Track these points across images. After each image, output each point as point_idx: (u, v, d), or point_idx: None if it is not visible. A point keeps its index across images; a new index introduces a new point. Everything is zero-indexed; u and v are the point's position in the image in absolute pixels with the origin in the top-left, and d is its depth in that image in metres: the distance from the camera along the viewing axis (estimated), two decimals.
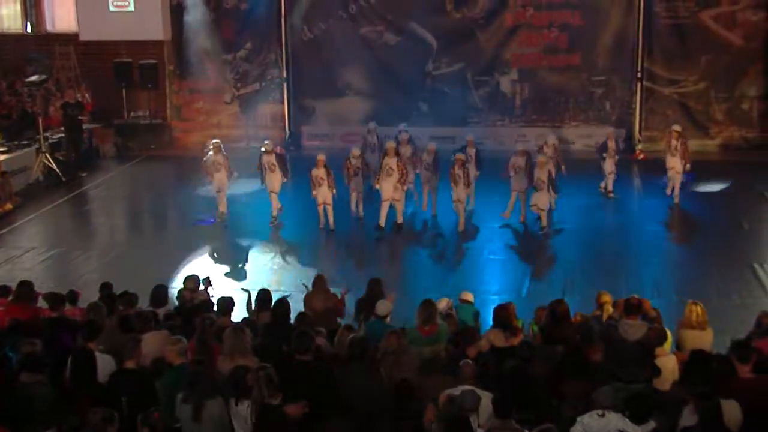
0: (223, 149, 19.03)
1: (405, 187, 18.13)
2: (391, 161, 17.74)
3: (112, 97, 26.95)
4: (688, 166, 19.69)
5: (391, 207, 18.04)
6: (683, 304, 10.56)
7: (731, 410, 7.61)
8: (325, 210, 18.12)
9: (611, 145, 20.18)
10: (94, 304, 10.85)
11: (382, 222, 17.92)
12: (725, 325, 10.63)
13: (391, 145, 18.12)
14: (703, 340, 9.77)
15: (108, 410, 7.41)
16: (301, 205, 19.03)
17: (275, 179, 18.70)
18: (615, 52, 24.75)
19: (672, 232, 18.25)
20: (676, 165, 19.51)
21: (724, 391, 7.70)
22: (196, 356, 8.79)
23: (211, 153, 18.92)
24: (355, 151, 18.79)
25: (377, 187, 18.07)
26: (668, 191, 19.81)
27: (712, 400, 7.41)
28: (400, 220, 18.26)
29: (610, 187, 20.29)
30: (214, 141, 19.43)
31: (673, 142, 19.63)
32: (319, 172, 17.96)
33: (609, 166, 20.14)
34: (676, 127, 20.13)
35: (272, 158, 18.73)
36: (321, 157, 18.21)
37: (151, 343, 9.36)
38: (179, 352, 8.67)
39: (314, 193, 18.07)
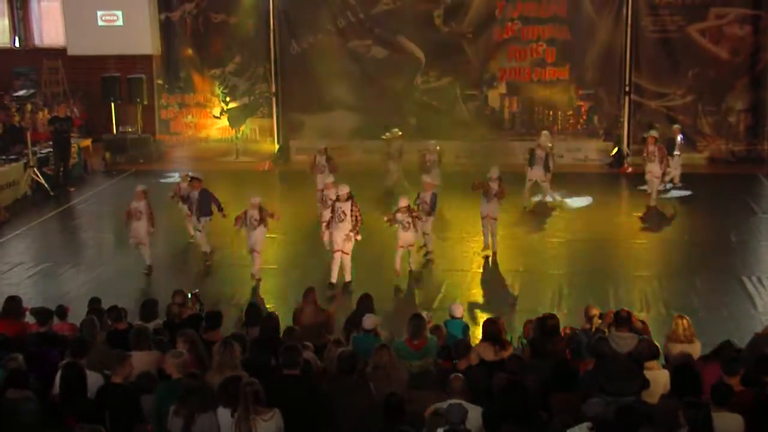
0: (147, 197, 16.90)
1: (358, 237, 15.75)
2: (344, 206, 15.63)
3: (100, 112, 26.99)
4: (666, 167, 20.35)
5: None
6: (671, 317, 10.58)
7: (731, 423, 7.62)
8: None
9: (678, 140, 21.44)
10: (89, 320, 10.79)
11: (334, 278, 15.74)
12: (714, 339, 10.61)
13: (344, 190, 15.80)
14: (691, 353, 9.77)
15: (95, 426, 7.37)
16: (291, 222, 18.96)
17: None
18: (603, 66, 24.88)
19: (659, 245, 18.27)
20: (653, 170, 20.05)
21: (724, 404, 7.74)
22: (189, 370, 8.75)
23: (134, 200, 16.86)
24: (328, 179, 17.39)
25: (324, 238, 16.64)
26: (650, 202, 20.22)
27: (702, 409, 7.41)
28: (348, 277, 15.81)
29: (677, 180, 21.56)
30: (141, 187, 17.12)
31: (651, 148, 20.12)
32: (254, 213, 16.15)
33: (676, 160, 21.32)
34: (653, 133, 20.67)
35: (195, 194, 17.12)
36: (255, 200, 16.30)
37: (139, 358, 9.33)
38: (178, 366, 8.60)
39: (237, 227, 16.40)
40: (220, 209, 17.14)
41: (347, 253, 15.73)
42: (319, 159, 20.13)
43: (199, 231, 17.24)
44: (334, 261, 15.75)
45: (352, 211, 15.60)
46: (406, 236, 16.00)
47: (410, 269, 16.33)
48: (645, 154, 20.33)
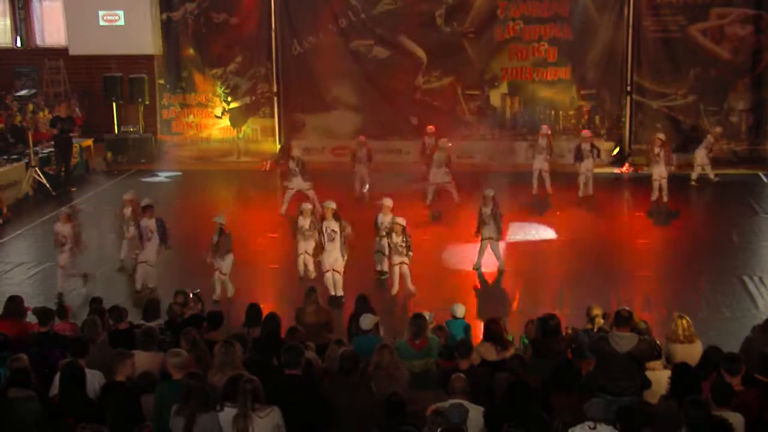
0: (75, 218, 16.59)
1: (344, 257, 15.17)
2: (332, 224, 15.11)
3: (101, 112, 26.99)
4: (672, 168, 20.78)
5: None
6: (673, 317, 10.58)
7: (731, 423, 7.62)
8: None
9: (711, 139, 22.32)
10: (90, 321, 10.79)
11: (333, 291, 15.23)
12: (715, 338, 10.62)
13: (329, 207, 15.32)
14: (692, 353, 9.76)
15: (97, 426, 7.37)
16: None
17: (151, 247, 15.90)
18: (604, 66, 24.85)
19: (661, 245, 18.25)
20: (661, 172, 20.35)
21: (724, 404, 7.73)
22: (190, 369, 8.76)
23: (59, 222, 16.12)
24: (305, 206, 16.29)
25: (318, 259, 15.73)
26: (653, 196, 20.37)
27: (702, 409, 7.40)
28: (339, 292, 15.15)
29: (711, 175, 22.33)
30: (66, 210, 16.75)
31: (656, 150, 20.47)
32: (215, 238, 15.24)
33: (701, 157, 22.27)
34: (660, 135, 20.97)
35: (152, 223, 15.85)
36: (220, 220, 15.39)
37: (143, 358, 9.33)
38: (178, 365, 8.61)
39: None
40: (166, 242, 16.00)
41: (339, 272, 15.16)
42: (291, 165, 20.21)
43: (151, 266, 15.89)
44: (327, 280, 15.17)
45: (341, 228, 15.05)
46: (401, 258, 15.21)
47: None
48: (650, 156, 20.61)
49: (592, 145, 21.28)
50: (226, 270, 15.27)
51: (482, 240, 16.44)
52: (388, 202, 16.14)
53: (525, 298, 15.18)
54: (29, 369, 8.77)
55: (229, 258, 15.23)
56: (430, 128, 22.32)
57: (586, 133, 21.99)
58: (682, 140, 24.08)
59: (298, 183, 19.85)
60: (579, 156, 21.22)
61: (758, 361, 8.69)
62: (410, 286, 15.39)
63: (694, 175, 22.30)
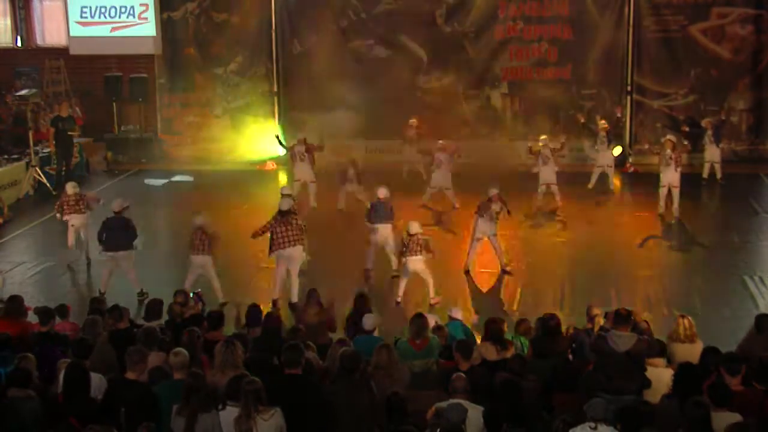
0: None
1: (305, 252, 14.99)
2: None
3: (102, 111, 26.98)
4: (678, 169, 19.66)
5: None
6: (674, 316, 10.58)
7: (730, 423, 7.62)
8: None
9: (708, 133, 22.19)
10: (91, 320, 10.79)
11: (279, 293, 14.90)
12: (716, 338, 10.62)
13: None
14: (693, 353, 9.76)
15: (105, 427, 7.36)
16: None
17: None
18: (605, 66, 24.85)
19: (662, 244, 18.25)
20: (672, 179, 19.13)
21: (722, 404, 7.74)
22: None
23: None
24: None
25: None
26: (660, 209, 19.47)
27: (702, 409, 7.41)
28: (294, 297, 14.79)
29: (719, 174, 22.25)
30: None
31: (668, 152, 19.22)
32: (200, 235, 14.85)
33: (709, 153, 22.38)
34: (671, 137, 20.10)
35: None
36: (199, 221, 15.01)
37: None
38: (178, 365, 8.61)
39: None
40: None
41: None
42: (298, 148, 20.32)
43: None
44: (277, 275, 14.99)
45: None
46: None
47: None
48: (661, 159, 19.43)
49: (608, 133, 21.43)
50: (212, 273, 14.97)
51: (476, 240, 16.31)
52: (381, 193, 16.17)
53: (525, 298, 15.17)
54: (31, 369, 8.78)
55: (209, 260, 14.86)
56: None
57: (603, 123, 21.97)
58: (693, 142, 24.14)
59: (300, 168, 20.30)
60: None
61: (756, 368, 8.66)
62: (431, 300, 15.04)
63: (705, 173, 22.32)
